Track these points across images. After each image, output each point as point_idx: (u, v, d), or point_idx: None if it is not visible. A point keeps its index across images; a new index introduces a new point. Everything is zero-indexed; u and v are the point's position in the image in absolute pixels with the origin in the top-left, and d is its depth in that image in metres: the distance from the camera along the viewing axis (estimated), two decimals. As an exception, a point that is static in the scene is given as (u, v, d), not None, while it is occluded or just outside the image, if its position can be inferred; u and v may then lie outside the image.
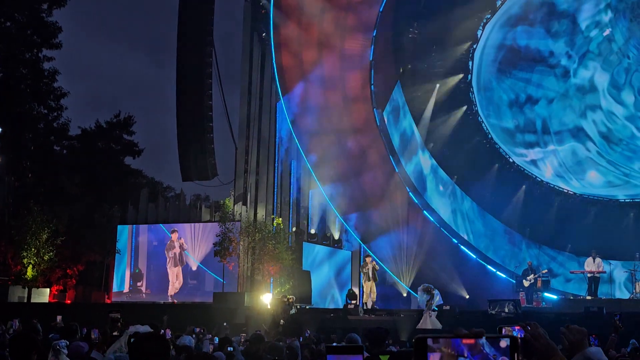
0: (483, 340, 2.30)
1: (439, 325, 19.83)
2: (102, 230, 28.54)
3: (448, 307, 21.68)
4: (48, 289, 28.31)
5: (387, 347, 9.45)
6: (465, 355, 2.28)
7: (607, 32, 31.46)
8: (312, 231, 29.12)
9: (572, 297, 26.59)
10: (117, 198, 33.02)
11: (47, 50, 32.53)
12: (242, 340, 13.60)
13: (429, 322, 19.91)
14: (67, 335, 9.45)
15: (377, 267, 24.33)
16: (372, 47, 30.03)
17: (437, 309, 20.54)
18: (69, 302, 28.50)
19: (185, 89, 29.66)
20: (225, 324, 19.39)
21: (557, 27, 32.04)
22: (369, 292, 24.12)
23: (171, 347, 7.78)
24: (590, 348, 3.92)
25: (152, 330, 8.16)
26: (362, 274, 24.47)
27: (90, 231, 28.80)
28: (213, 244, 25.30)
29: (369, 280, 23.87)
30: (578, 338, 3.89)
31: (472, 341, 2.30)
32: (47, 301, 27.63)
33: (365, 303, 24.43)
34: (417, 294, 22.45)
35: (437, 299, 20.55)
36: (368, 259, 24.19)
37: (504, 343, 2.31)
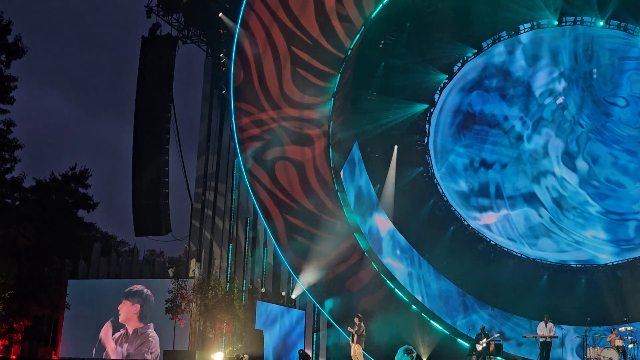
0: None
1: None
2: (52, 284, 27.95)
3: (400, 370, 21.42)
4: (-7, 344, 27.53)
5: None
6: None
7: (560, 100, 32.20)
8: (263, 290, 28.87)
9: (524, 362, 26.63)
10: (69, 252, 32.41)
11: (1, 104, 32.05)
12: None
13: None
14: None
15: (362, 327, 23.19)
16: (331, 107, 30.23)
17: None
18: (14, 357, 27.69)
19: (142, 143, 29.46)
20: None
21: (512, 93, 32.71)
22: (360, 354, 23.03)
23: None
24: None
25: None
26: (351, 335, 23.14)
27: (39, 285, 28.17)
28: (165, 300, 24.86)
29: (359, 342, 22.81)
30: None
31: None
32: (-9, 356, 26.85)
33: None
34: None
35: None
36: (357, 320, 23.07)
37: None
